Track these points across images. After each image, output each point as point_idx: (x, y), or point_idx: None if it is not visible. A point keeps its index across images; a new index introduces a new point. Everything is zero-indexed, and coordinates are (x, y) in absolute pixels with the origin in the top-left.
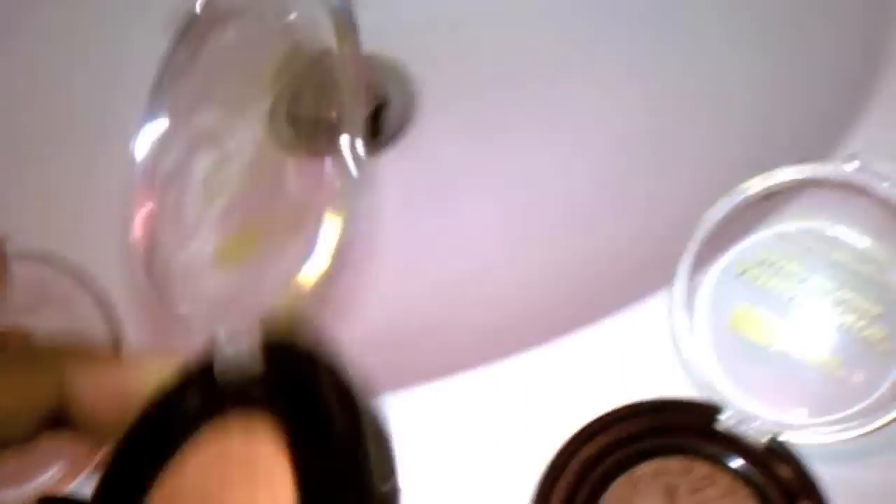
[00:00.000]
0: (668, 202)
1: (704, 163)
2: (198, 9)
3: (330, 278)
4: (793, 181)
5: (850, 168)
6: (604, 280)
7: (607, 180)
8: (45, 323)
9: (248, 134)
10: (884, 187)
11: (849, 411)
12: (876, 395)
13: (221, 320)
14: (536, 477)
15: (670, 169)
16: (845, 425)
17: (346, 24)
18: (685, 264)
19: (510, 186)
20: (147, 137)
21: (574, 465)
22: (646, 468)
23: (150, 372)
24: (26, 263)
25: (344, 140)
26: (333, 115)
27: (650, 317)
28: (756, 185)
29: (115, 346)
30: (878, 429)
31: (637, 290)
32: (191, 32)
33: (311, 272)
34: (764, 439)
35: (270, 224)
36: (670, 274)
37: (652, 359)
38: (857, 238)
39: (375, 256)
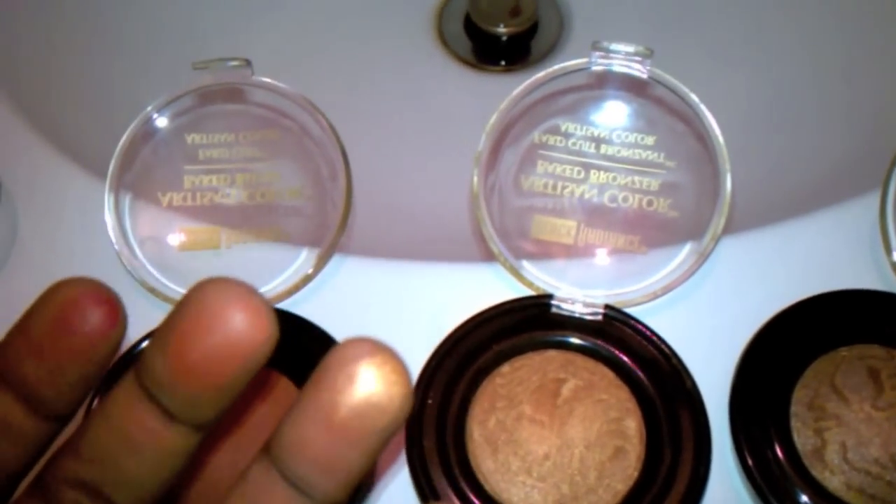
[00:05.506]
0: (883, 106)
1: None
2: None
3: None
4: None
5: None
6: (816, 178)
7: (820, 84)
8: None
9: None
10: None
11: None
12: None
13: None
14: (741, 349)
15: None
16: None
17: None
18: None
19: None
20: None
21: (777, 341)
22: (848, 351)
23: None
24: (261, 92)
25: None
26: None
27: (859, 215)
28: None
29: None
30: None
31: (848, 188)
32: None
33: None
34: None
35: None
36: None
37: (858, 255)
38: None
39: None
